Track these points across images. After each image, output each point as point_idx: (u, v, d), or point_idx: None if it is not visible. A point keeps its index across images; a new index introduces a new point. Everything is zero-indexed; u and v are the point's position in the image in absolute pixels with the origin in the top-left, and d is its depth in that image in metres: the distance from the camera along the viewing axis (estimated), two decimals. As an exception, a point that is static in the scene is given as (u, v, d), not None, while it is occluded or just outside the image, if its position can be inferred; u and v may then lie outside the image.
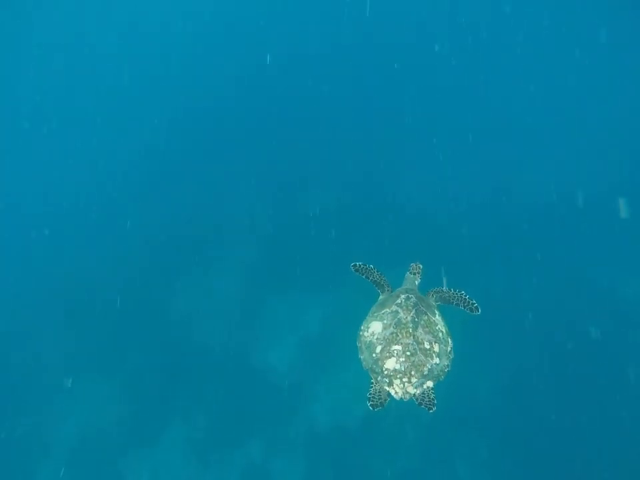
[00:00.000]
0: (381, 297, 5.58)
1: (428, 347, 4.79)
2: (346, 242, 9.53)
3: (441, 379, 4.84)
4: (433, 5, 14.13)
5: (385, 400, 4.86)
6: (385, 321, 4.98)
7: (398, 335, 4.81)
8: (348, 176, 11.02)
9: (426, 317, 4.95)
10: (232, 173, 11.46)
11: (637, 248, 9.57)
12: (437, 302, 5.51)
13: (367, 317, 5.26)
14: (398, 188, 10.77)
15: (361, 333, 5.14)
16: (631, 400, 7.80)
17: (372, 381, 4.95)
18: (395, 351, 4.75)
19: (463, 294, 5.51)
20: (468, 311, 5.46)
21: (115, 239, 11.02)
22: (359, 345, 5.10)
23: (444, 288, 5.57)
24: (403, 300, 5.09)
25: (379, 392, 4.87)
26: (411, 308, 4.98)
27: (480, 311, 5.37)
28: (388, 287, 5.69)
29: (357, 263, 5.85)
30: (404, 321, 4.88)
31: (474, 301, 5.44)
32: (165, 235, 10.80)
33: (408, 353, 4.72)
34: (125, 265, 10.51)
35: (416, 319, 4.88)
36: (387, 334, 4.87)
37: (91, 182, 12.21)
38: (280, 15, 14.93)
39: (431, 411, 4.67)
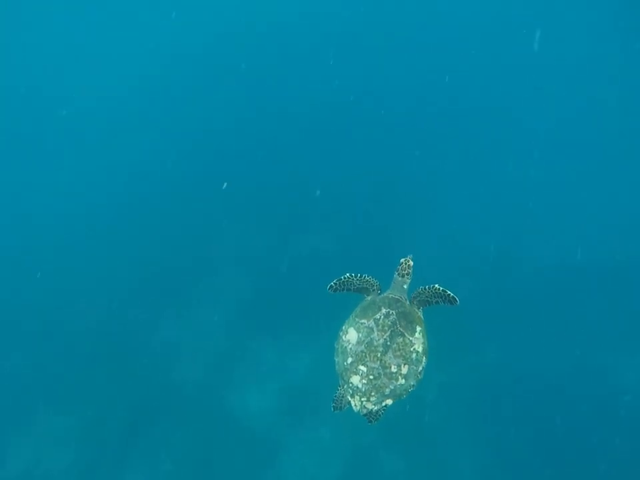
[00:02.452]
0: (368, 298, 5.32)
1: (395, 370, 4.84)
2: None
3: (402, 398, 4.99)
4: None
5: (345, 406, 5.11)
6: (360, 335, 4.96)
7: (366, 357, 4.86)
8: (344, 218, 10.66)
9: (400, 339, 4.88)
10: (226, 208, 11.01)
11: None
12: (419, 308, 5.28)
13: (350, 318, 5.18)
14: (394, 239, 10.20)
15: (340, 335, 5.13)
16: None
17: (339, 385, 5.12)
18: (360, 371, 4.86)
19: (436, 287, 5.18)
20: (448, 304, 5.20)
21: (95, 262, 10.37)
22: (337, 346, 5.15)
23: (419, 288, 5.28)
24: (382, 316, 4.97)
25: (342, 397, 5.11)
26: (386, 329, 4.90)
27: (458, 301, 5.12)
28: (375, 287, 5.37)
29: (332, 284, 5.42)
30: (375, 343, 4.87)
31: (449, 292, 5.15)
32: (149, 262, 10.25)
33: (371, 377, 4.83)
34: (99, 291, 9.88)
35: (388, 342, 4.84)
36: (358, 350, 4.91)
37: (79, 202, 11.68)
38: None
39: (369, 423, 5.03)
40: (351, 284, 5.41)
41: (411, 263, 5.39)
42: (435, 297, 5.21)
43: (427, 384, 5.03)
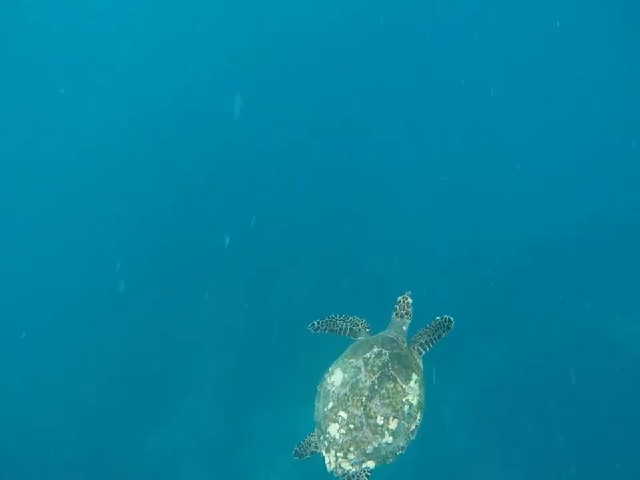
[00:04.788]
0: (360, 338, 4.80)
1: (381, 422, 4.05)
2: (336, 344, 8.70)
3: (388, 462, 4.14)
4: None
5: (307, 455, 4.47)
6: (346, 375, 4.26)
7: (348, 401, 4.10)
8: (315, 261, 10.12)
9: (391, 385, 4.13)
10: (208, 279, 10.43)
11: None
12: (421, 353, 4.71)
13: (338, 359, 4.52)
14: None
15: (325, 377, 4.47)
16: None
17: (314, 432, 4.38)
18: (340, 418, 4.10)
19: (436, 320, 4.87)
20: (447, 332, 4.82)
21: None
22: (319, 389, 4.46)
23: (419, 331, 4.88)
24: (373, 355, 4.29)
25: (309, 444, 4.43)
26: (375, 370, 4.19)
27: (453, 321, 4.79)
28: (361, 326, 4.94)
29: (314, 322, 5.04)
30: (361, 385, 4.13)
31: (442, 318, 4.84)
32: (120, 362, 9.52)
33: (351, 426, 4.04)
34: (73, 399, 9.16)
35: (376, 386, 4.11)
36: (341, 393, 4.18)
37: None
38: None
39: None
40: (334, 324, 4.99)
41: (410, 300, 4.88)
42: (436, 331, 4.79)
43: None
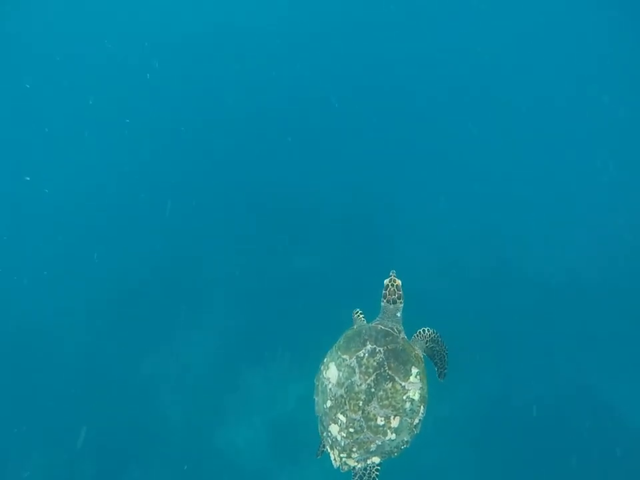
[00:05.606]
0: (354, 326, 4.46)
1: (382, 422, 3.85)
2: (334, 313, 8.81)
3: (393, 456, 4.01)
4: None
5: (322, 452, 4.28)
6: (340, 374, 3.99)
7: (345, 405, 3.88)
8: (334, 237, 10.36)
9: (389, 385, 3.85)
10: (217, 228, 10.78)
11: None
12: (423, 350, 4.37)
13: (332, 349, 4.24)
14: (393, 254, 10.12)
15: (321, 370, 4.23)
16: None
17: (318, 430, 4.20)
18: (339, 421, 3.91)
19: (445, 351, 4.46)
20: (437, 369, 4.52)
21: (78, 287, 10.06)
22: (317, 383, 4.24)
23: (435, 334, 4.42)
24: (367, 354, 3.94)
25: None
26: (370, 372, 3.88)
27: (444, 377, 4.49)
28: (358, 316, 4.67)
29: None
30: (356, 389, 3.87)
31: (445, 366, 4.49)
32: (139, 283, 9.94)
33: (351, 430, 3.87)
34: (80, 319, 9.58)
35: (372, 389, 3.84)
36: (338, 394, 3.95)
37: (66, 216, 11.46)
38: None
39: None
40: None
41: (399, 282, 4.33)
42: (440, 357, 4.46)
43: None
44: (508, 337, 8.90)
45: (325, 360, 4.24)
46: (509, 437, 7.99)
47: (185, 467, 7.87)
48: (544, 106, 12.81)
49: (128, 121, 12.67)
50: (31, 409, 8.58)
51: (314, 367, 4.35)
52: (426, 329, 4.43)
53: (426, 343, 4.40)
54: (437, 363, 4.51)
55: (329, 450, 4.09)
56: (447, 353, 4.49)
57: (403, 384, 3.89)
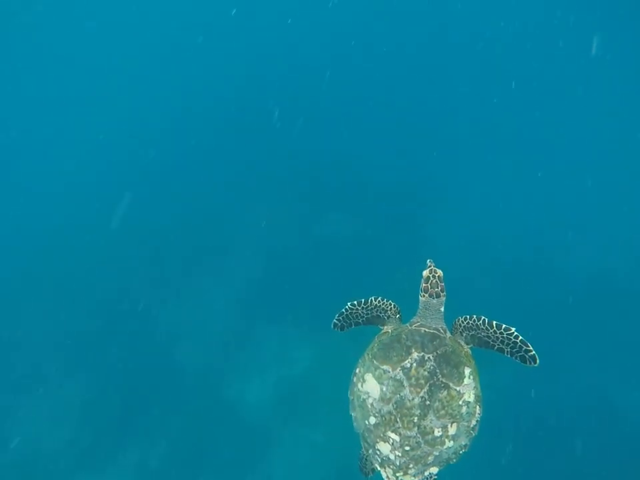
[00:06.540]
0: (387, 328, 3.96)
1: (439, 434, 3.49)
2: (354, 277, 8.68)
3: (452, 462, 3.68)
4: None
5: (373, 471, 3.90)
6: (384, 388, 3.55)
7: (397, 422, 3.48)
8: (362, 207, 10.28)
9: (444, 393, 3.48)
10: (242, 185, 10.84)
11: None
12: (469, 344, 3.84)
13: (365, 357, 3.80)
14: (420, 227, 10.01)
15: (354, 382, 3.80)
16: None
17: (362, 447, 3.84)
18: (391, 440, 3.53)
19: (512, 334, 3.69)
20: (519, 361, 3.75)
21: (100, 236, 10.22)
22: (351, 397, 3.84)
23: (478, 321, 3.76)
24: (415, 364, 3.52)
25: (366, 459, 3.88)
26: (423, 383, 3.47)
27: (538, 362, 3.68)
28: (391, 311, 4.01)
29: (335, 321, 4.27)
30: (408, 404, 3.47)
31: (529, 347, 3.67)
32: (158, 237, 10.09)
33: (407, 448, 3.49)
34: (103, 264, 9.78)
35: (427, 402, 3.45)
36: (384, 410, 3.53)
37: (86, 174, 11.66)
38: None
39: None
40: (357, 316, 4.16)
41: (440, 272, 3.83)
42: (502, 344, 3.74)
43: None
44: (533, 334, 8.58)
45: (358, 370, 3.82)
46: (520, 438, 7.68)
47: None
48: (594, 101, 12.26)
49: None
50: (52, 353, 8.88)
51: (326, 331, 4.21)
52: (459, 319, 3.88)
53: (464, 334, 3.85)
54: (505, 351, 3.78)
55: (378, 468, 3.75)
56: (506, 333, 3.71)
57: (458, 388, 3.54)
